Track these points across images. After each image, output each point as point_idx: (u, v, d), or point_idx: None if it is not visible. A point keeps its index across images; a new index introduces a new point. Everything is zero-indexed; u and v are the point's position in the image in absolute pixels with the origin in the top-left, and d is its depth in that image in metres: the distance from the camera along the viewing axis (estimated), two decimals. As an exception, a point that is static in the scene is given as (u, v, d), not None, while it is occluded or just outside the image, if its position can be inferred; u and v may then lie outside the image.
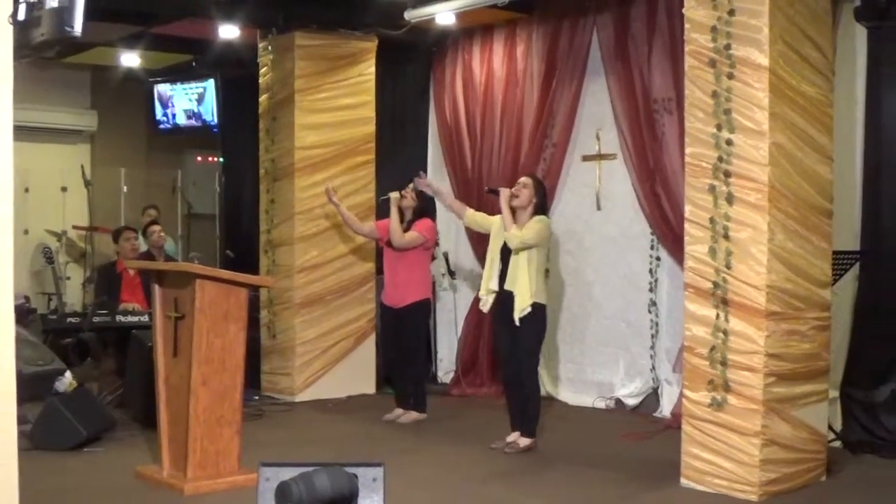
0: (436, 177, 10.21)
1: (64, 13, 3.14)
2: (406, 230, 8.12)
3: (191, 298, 5.91)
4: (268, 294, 9.43)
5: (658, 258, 8.45)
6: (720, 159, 5.92)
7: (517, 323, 7.03)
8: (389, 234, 8.16)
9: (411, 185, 8.21)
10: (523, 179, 7.26)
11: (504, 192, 7.16)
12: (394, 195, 8.18)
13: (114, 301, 8.73)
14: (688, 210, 6.10)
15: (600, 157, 8.87)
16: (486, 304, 7.29)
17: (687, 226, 6.10)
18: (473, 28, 9.63)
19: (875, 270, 7.18)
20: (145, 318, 8.18)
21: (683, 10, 6.11)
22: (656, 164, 8.24)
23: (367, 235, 8.65)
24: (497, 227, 7.28)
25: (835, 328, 6.79)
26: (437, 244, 8.36)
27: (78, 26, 3.16)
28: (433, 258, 8.53)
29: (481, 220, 7.52)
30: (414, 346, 8.36)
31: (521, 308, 7.02)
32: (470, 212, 7.63)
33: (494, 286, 7.20)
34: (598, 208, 8.91)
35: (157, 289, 6.27)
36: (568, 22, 8.95)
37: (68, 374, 8.38)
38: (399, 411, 8.35)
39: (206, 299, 5.91)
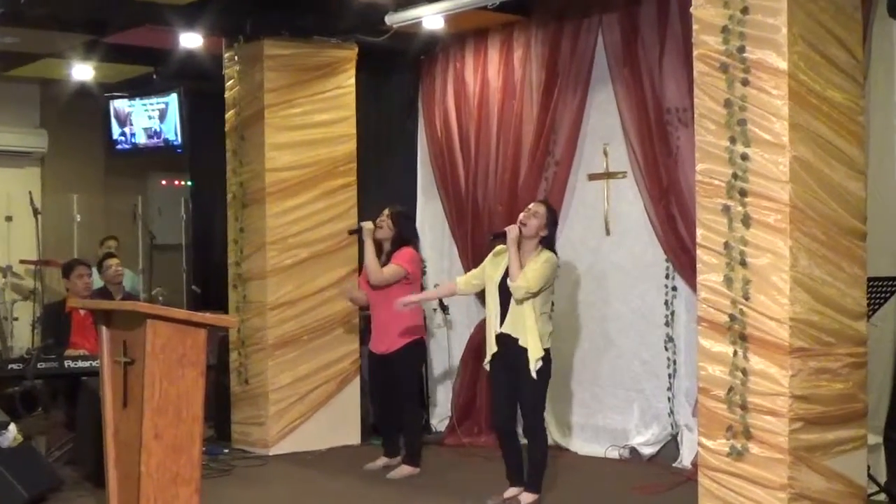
0: (426, 200, 10.26)
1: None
2: (385, 264, 8.10)
3: (141, 341, 5.87)
4: (238, 334, 9.40)
5: (674, 288, 8.43)
6: (735, 176, 5.89)
7: (534, 376, 7.02)
8: (366, 270, 8.12)
9: (386, 212, 8.19)
10: (534, 206, 7.23)
11: (511, 232, 7.08)
12: (367, 225, 8.15)
13: (62, 344, 8.70)
14: (700, 234, 6.07)
15: (608, 175, 8.86)
16: (489, 362, 7.30)
17: (699, 252, 6.08)
18: (465, 33, 9.63)
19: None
20: (97, 364, 8.14)
21: (691, 9, 6.11)
22: (670, 183, 8.23)
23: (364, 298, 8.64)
24: (489, 269, 7.31)
25: (875, 365, 6.77)
26: (423, 274, 8.33)
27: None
28: (422, 289, 8.50)
29: (475, 280, 7.52)
30: (407, 395, 8.35)
31: (535, 359, 7.02)
32: (460, 281, 7.66)
33: (498, 329, 7.19)
34: (607, 233, 8.90)
35: (104, 330, 6.24)
36: (570, 25, 8.95)
37: (13, 427, 8.32)
38: (384, 460, 8.32)
39: (158, 342, 5.86)
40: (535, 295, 7.01)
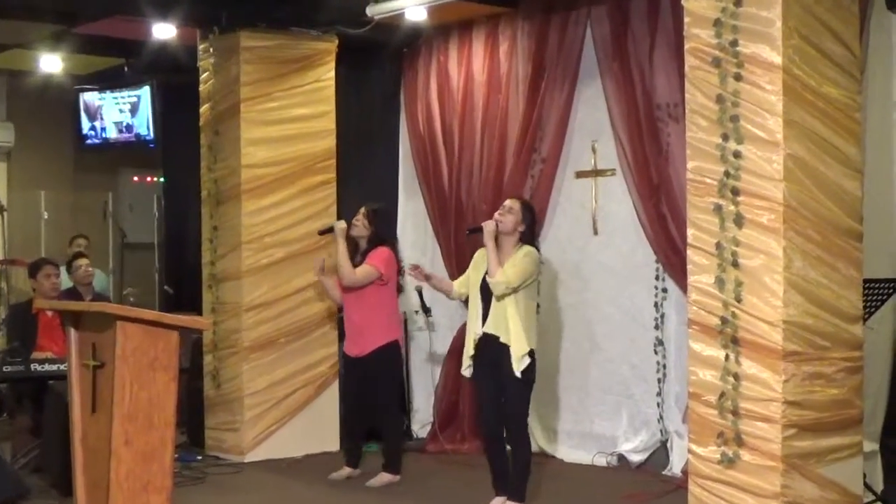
0: (408, 197, 10.26)
1: None
2: (359, 263, 8.08)
3: (111, 344, 5.85)
4: (212, 337, 9.38)
5: (664, 290, 8.44)
6: (727, 174, 5.91)
7: (518, 375, 7.00)
8: (338, 272, 8.10)
9: (363, 210, 8.18)
10: (508, 202, 7.23)
11: (488, 227, 7.10)
12: (339, 224, 8.14)
13: (29, 347, 8.65)
14: (690, 234, 6.09)
15: (596, 172, 8.87)
16: (467, 368, 7.27)
17: (690, 252, 6.09)
18: (449, 25, 9.63)
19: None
20: (65, 367, 8.11)
21: (683, 2, 6.13)
22: (661, 180, 8.24)
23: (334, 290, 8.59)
24: (472, 273, 7.31)
25: (871, 370, 6.78)
26: (401, 274, 8.31)
27: None
28: (400, 290, 8.47)
29: (462, 288, 7.47)
30: (385, 399, 8.32)
31: (518, 357, 6.98)
32: (455, 284, 7.61)
33: (479, 329, 7.17)
34: (595, 232, 8.91)
35: (72, 332, 6.23)
36: (558, 17, 8.96)
37: (-25, 433, 8.33)
38: (347, 470, 8.34)
39: (128, 345, 5.85)
40: (515, 290, 7.00)
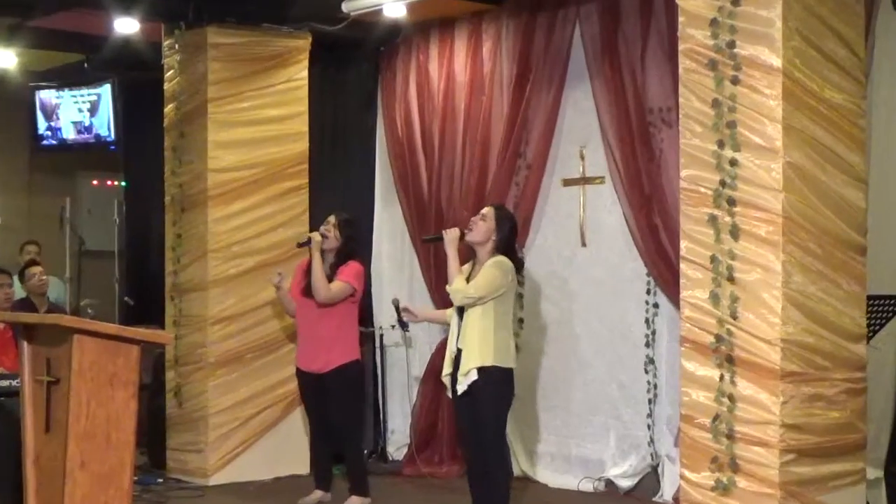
0: (385, 205, 10.25)
1: None
2: (329, 276, 8.04)
3: (67, 358, 5.84)
4: (174, 351, 9.35)
5: (656, 305, 8.43)
6: (723, 183, 5.93)
7: (459, 389, 6.95)
8: (312, 286, 8.05)
9: (332, 220, 8.14)
10: (484, 210, 7.18)
11: (449, 234, 7.05)
12: (315, 237, 8.10)
13: (-21, 362, 8.63)
14: (684, 246, 6.10)
15: (585, 180, 8.87)
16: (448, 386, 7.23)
17: (683, 266, 6.10)
18: (429, 22, 9.63)
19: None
20: (17, 383, 8.06)
21: (677, 0, 6.13)
22: (653, 189, 8.24)
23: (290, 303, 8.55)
24: None
25: (875, 392, 6.82)
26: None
27: None
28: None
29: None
30: (348, 418, 8.28)
31: (464, 370, 6.91)
32: (448, 312, 7.51)
33: (454, 347, 7.12)
34: (583, 244, 8.90)
35: (25, 346, 6.20)
36: (545, 15, 8.96)
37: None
38: (318, 493, 8.29)
39: (85, 360, 5.84)
40: (479, 301, 6.91)
